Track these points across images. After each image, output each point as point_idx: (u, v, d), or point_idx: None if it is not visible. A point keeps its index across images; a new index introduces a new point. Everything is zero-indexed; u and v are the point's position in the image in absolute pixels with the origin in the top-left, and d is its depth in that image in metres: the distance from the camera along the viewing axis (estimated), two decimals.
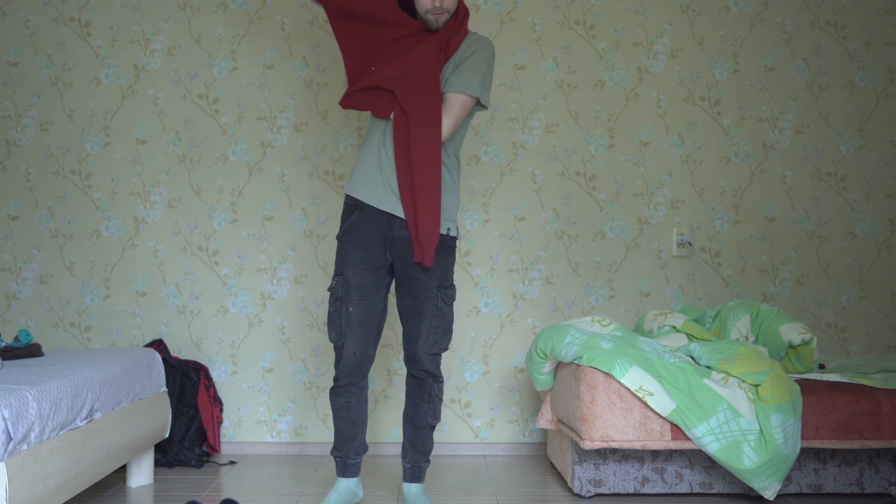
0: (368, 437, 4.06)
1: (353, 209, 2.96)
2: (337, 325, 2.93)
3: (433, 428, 3.06)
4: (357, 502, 3.11)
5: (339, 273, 2.93)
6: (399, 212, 2.89)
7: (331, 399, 3.03)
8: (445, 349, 3.00)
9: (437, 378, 3.01)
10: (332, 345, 4.08)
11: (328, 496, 3.04)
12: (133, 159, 4.10)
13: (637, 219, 4.11)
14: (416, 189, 2.80)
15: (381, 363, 4.07)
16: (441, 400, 3.04)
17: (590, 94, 4.12)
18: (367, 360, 2.98)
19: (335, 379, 3.01)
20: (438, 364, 3.01)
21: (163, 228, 4.09)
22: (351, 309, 2.91)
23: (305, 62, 4.11)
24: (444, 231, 2.94)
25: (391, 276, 2.99)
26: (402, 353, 4.05)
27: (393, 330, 4.07)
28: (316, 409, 4.07)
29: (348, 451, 3.04)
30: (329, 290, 2.97)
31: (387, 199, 2.91)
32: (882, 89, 4.14)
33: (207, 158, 4.10)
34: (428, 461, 3.09)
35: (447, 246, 2.95)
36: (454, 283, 3.01)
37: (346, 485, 3.05)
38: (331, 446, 4.04)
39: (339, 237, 2.98)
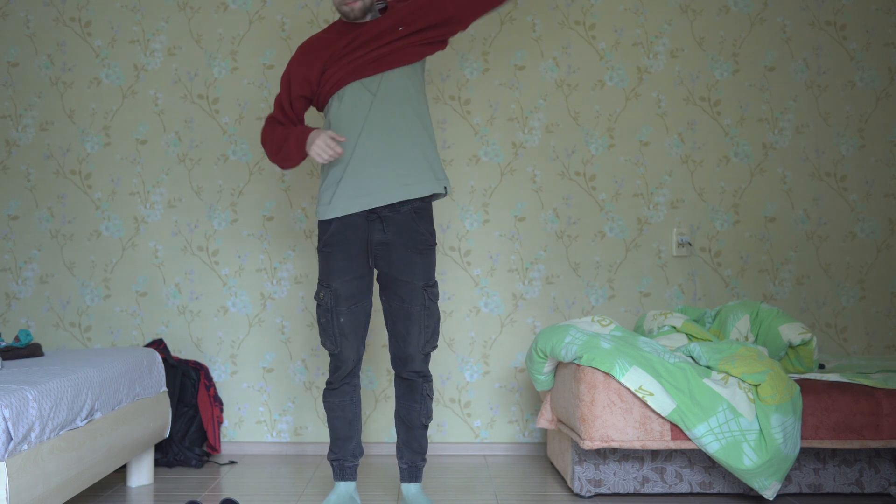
0: (367, 438, 4.06)
1: (331, 222, 3.01)
2: (331, 335, 2.97)
3: (427, 427, 3.08)
4: None
5: (325, 285, 2.97)
6: (379, 202, 2.91)
7: (325, 401, 3.07)
8: (436, 347, 3.05)
9: (427, 377, 3.05)
10: None
11: (327, 498, 3.04)
12: (133, 159, 4.10)
13: (637, 219, 4.11)
14: None
15: (381, 363, 4.07)
16: (432, 398, 3.06)
17: (590, 94, 4.12)
18: (360, 361, 3.04)
19: (329, 382, 3.05)
20: (428, 363, 3.06)
21: (163, 228, 4.09)
22: (342, 320, 2.96)
23: None
24: (440, 189, 2.98)
25: (374, 279, 3.06)
26: None
27: None
28: (316, 408, 4.07)
29: (345, 454, 3.06)
30: (315, 299, 3.00)
31: (361, 199, 2.94)
32: (882, 89, 4.14)
33: (207, 158, 4.10)
34: (424, 460, 3.11)
35: (428, 245, 2.99)
36: (437, 280, 3.05)
37: (345, 488, 3.06)
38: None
39: (319, 249, 3.00)
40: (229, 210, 4.09)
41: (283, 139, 2.98)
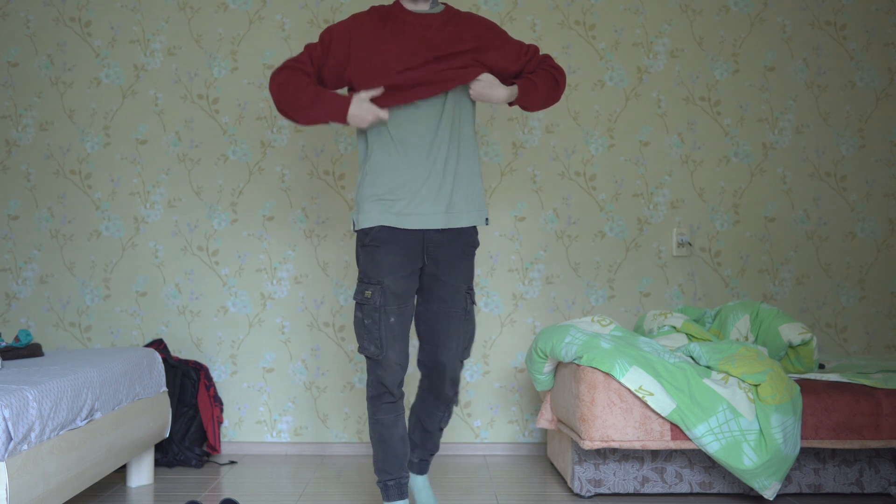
0: (368, 437, 4.06)
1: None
2: (377, 337, 2.72)
3: (443, 430, 3.04)
4: None
5: (374, 282, 2.72)
6: (438, 223, 2.77)
7: (378, 417, 2.79)
8: (469, 356, 2.90)
9: (457, 389, 2.91)
10: (333, 347, 4.07)
11: None
12: (133, 159, 4.10)
13: (637, 219, 4.11)
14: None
15: None
16: (457, 404, 3.00)
17: (590, 94, 4.12)
18: (406, 368, 2.80)
19: (380, 396, 2.77)
20: (461, 371, 2.91)
21: (163, 228, 4.09)
22: (392, 319, 2.72)
23: None
24: (482, 222, 2.86)
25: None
26: None
27: None
28: (316, 409, 4.07)
29: (401, 471, 2.83)
30: (357, 299, 2.76)
31: (430, 216, 2.77)
32: (882, 89, 4.14)
33: (207, 158, 4.10)
34: (434, 455, 3.09)
35: (473, 247, 2.86)
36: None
37: None
38: (331, 446, 4.04)
39: (364, 244, 2.77)
40: (229, 210, 4.09)
41: (314, 96, 2.74)
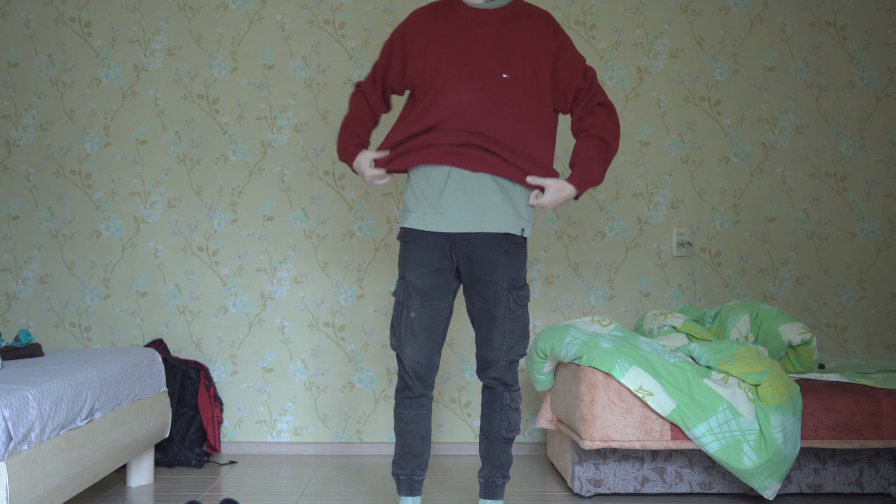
0: (368, 437, 4.06)
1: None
2: (398, 331, 2.73)
3: (510, 441, 2.81)
4: None
5: (401, 276, 2.75)
6: (464, 227, 2.70)
7: (399, 411, 2.80)
8: (523, 355, 2.76)
9: (510, 386, 2.78)
10: (333, 347, 4.07)
11: None
12: (133, 159, 4.10)
13: (637, 219, 4.11)
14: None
15: (380, 363, 4.07)
16: (517, 410, 2.80)
17: None
18: (431, 368, 2.76)
19: (402, 390, 2.79)
20: (514, 372, 2.79)
21: (163, 228, 4.09)
22: (413, 314, 2.71)
23: (305, 62, 4.11)
24: (517, 231, 2.71)
25: (459, 279, 2.78)
26: None
27: None
28: (316, 408, 4.07)
29: (415, 468, 2.82)
30: (393, 294, 2.79)
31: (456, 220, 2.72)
32: (882, 89, 4.14)
33: (207, 158, 4.10)
34: (505, 477, 2.84)
35: (516, 244, 2.72)
36: (527, 282, 2.78)
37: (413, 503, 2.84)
38: (331, 446, 4.04)
39: (399, 237, 2.78)
40: (229, 210, 4.09)
41: (344, 142, 2.85)
